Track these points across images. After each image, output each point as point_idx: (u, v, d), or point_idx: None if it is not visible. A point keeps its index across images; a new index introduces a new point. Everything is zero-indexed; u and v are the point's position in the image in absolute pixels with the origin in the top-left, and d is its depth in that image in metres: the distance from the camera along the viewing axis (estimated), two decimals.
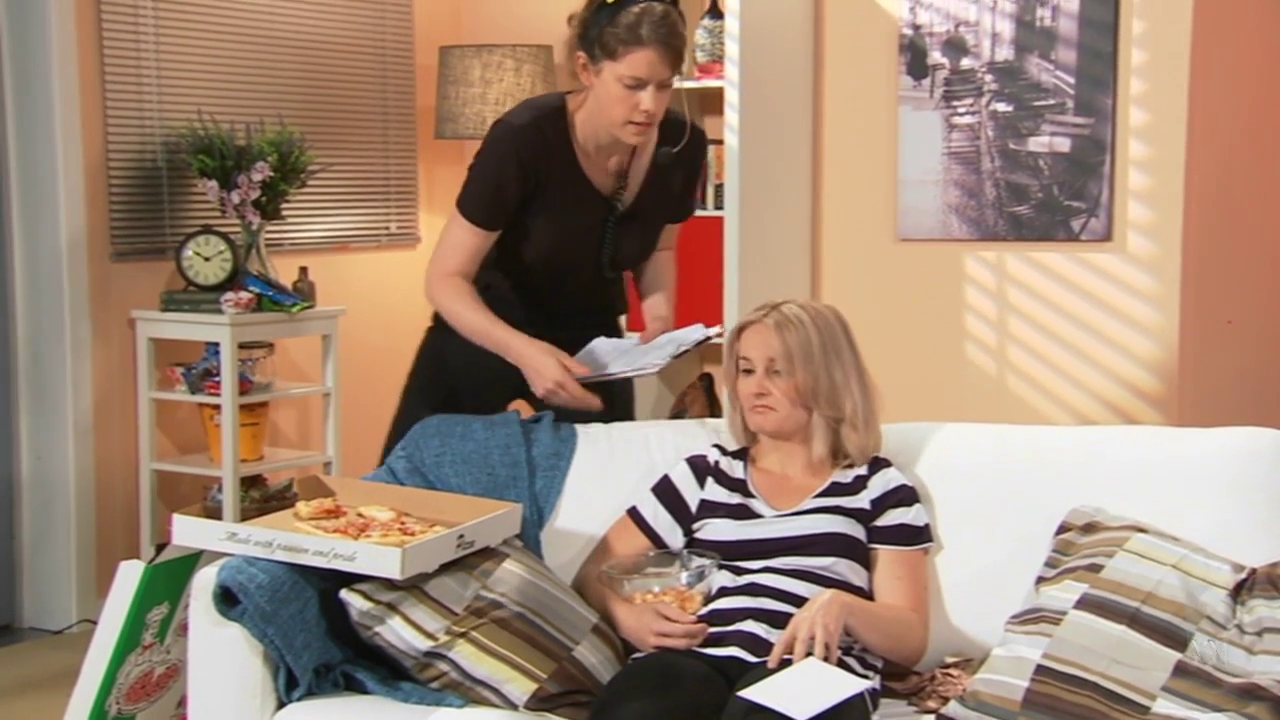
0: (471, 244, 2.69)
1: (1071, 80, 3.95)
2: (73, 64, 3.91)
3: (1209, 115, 3.92)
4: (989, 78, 4.07)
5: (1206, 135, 3.92)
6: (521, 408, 2.78)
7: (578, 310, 2.79)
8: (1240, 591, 2.14)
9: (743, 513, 2.38)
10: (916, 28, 4.16)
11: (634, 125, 2.58)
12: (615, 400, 2.81)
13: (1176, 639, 2.07)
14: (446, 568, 2.22)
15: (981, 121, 4.09)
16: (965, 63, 4.10)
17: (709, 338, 2.72)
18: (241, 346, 3.98)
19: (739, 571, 2.31)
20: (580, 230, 2.71)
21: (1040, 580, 2.25)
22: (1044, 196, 4.01)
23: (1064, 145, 3.98)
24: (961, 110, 4.11)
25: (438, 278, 2.73)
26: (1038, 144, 4.01)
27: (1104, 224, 3.94)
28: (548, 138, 2.66)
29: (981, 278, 4.15)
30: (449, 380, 2.82)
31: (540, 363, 2.60)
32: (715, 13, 4.20)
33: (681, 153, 2.74)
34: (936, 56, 4.14)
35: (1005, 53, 4.04)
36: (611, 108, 2.58)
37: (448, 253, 2.71)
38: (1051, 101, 3.98)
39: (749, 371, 2.41)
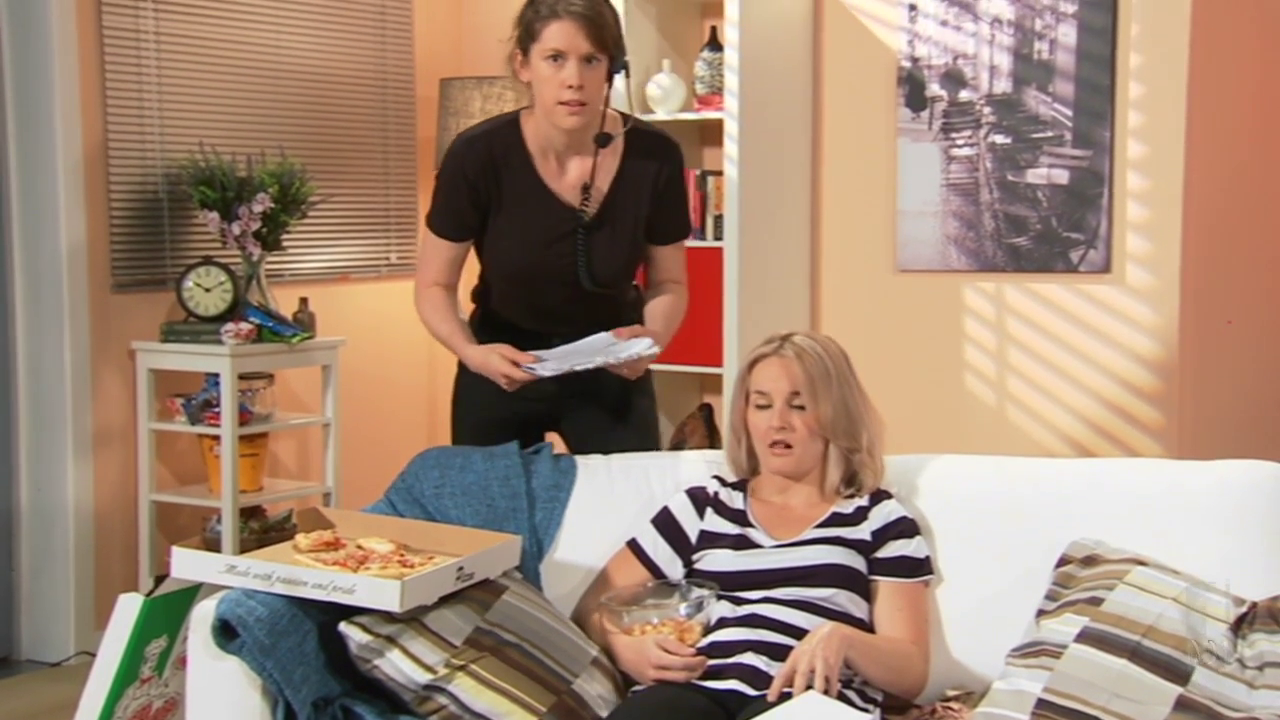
0: (440, 254, 2.79)
1: (1069, 113, 3.97)
2: (75, 95, 3.93)
3: (1206, 148, 3.94)
4: (987, 110, 4.08)
5: (1204, 168, 3.93)
6: (555, 441, 2.81)
7: (577, 326, 2.75)
8: (1241, 625, 2.14)
9: (742, 543, 2.38)
10: (915, 60, 4.18)
11: (564, 106, 2.58)
12: (634, 422, 2.82)
13: (1178, 673, 2.06)
14: (446, 600, 2.22)
15: (980, 153, 4.11)
16: (964, 95, 4.12)
17: (652, 354, 2.68)
18: (241, 377, 3.98)
19: (739, 602, 2.30)
20: (547, 240, 2.71)
21: (1041, 613, 2.25)
22: (1042, 228, 4.02)
23: (1062, 177, 3.99)
24: (960, 142, 4.13)
25: (418, 288, 2.83)
26: (1036, 176, 4.03)
27: (1103, 256, 3.95)
28: (497, 149, 2.69)
29: (981, 309, 4.16)
30: (492, 408, 2.80)
31: (485, 361, 2.67)
32: (715, 45, 4.22)
33: (651, 162, 2.72)
34: (935, 89, 4.16)
35: (1003, 85, 4.06)
36: (543, 91, 2.61)
37: (423, 263, 2.83)
38: (1050, 134, 4.00)
39: (764, 406, 2.41)
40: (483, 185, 2.70)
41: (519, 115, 2.73)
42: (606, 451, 2.72)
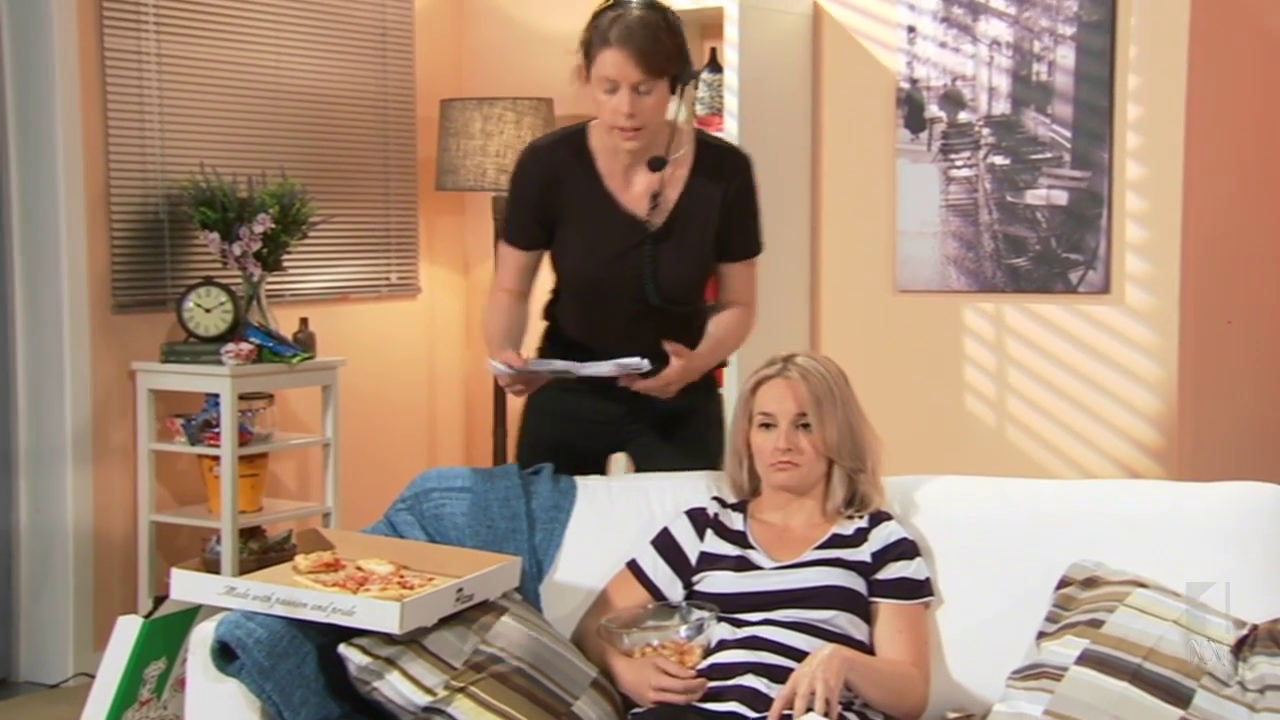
0: (509, 260, 2.79)
1: (1068, 134, 3.98)
2: (76, 116, 3.94)
3: (1205, 169, 3.95)
4: (986, 131, 4.10)
5: (1203, 189, 3.94)
6: (624, 462, 2.81)
7: (643, 344, 2.69)
8: (1242, 648, 2.13)
9: (742, 565, 2.38)
10: (914, 82, 4.20)
11: (618, 130, 2.58)
12: (697, 446, 2.78)
13: (1179, 696, 2.06)
14: (445, 622, 2.21)
15: (979, 174, 4.12)
16: (963, 116, 4.13)
17: (641, 370, 2.62)
18: (241, 397, 3.98)
19: (739, 624, 2.30)
20: (614, 251, 2.68)
21: (1041, 635, 2.24)
22: (1042, 249, 4.03)
23: (1061, 198, 4.00)
24: (959, 163, 4.14)
25: (491, 292, 2.83)
26: (1035, 197, 4.03)
27: (1102, 277, 3.95)
28: (563, 157, 2.69)
29: (980, 329, 4.16)
30: (555, 429, 2.81)
31: (491, 361, 2.65)
32: (714, 66, 4.24)
33: (721, 175, 2.69)
34: (934, 110, 4.17)
35: (1002, 107, 4.07)
36: (600, 113, 2.61)
37: (497, 269, 2.83)
38: (1048, 155, 4.01)
39: (768, 426, 2.41)
40: (547, 195, 2.69)
41: (587, 126, 2.72)
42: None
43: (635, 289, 2.68)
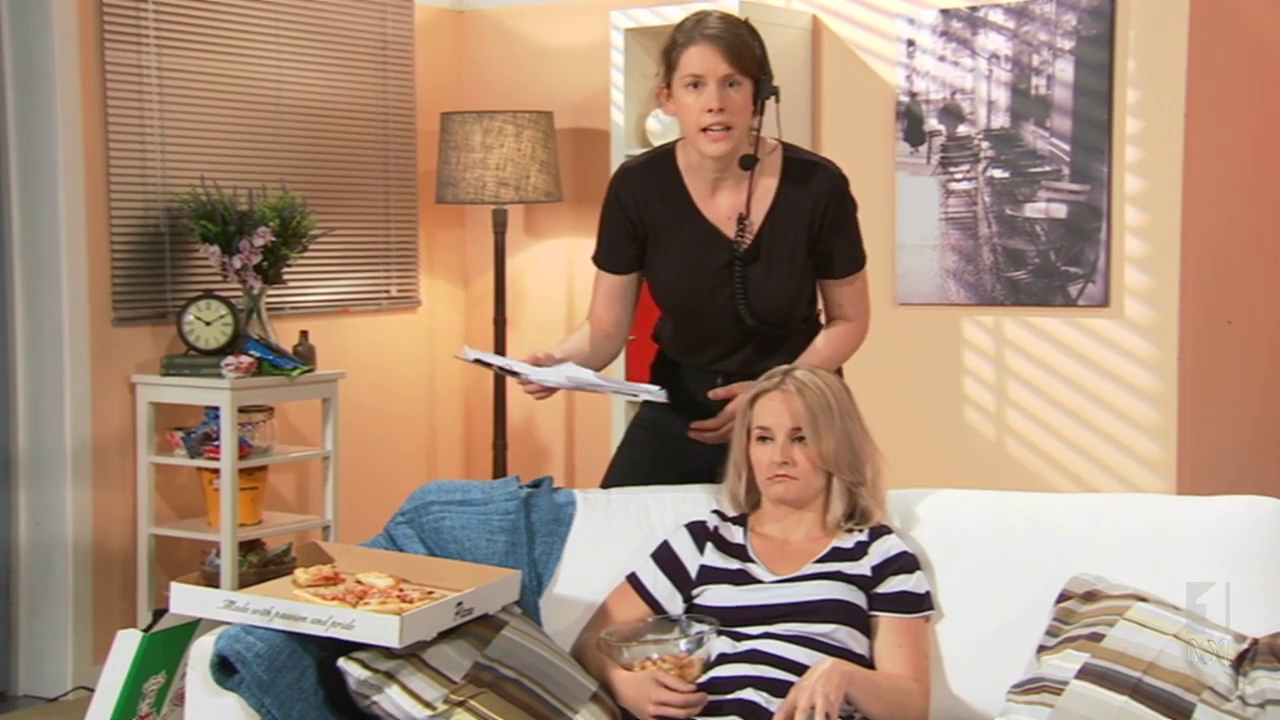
0: (602, 286, 2.77)
1: (1067, 148, 3.98)
2: (77, 130, 3.94)
3: (1204, 182, 3.95)
4: (985, 144, 4.10)
5: (1202, 202, 3.94)
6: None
7: (747, 361, 2.69)
8: (1242, 662, 2.13)
9: (742, 578, 2.38)
10: (913, 95, 4.20)
11: (708, 133, 2.53)
12: None
13: (1179, 710, 2.06)
14: (445, 635, 2.21)
15: (978, 187, 4.12)
16: (962, 129, 4.14)
17: (652, 399, 2.61)
18: (241, 410, 3.98)
19: (738, 638, 2.30)
20: (705, 272, 2.66)
21: (1041, 649, 2.24)
22: (1041, 262, 4.03)
23: (1060, 211, 4.00)
24: (958, 176, 4.15)
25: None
26: (1034, 210, 4.04)
27: (1101, 290, 3.95)
28: (652, 179, 2.68)
29: (980, 342, 4.17)
30: (650, 443, 2.79)
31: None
32: None
33: (808, 191, 2.63)
34: (933, 123, 4.18)
35: (1001, 120, 4.08)
36: (687, 121, 2.57)
37: (593, 295, 2.80)
38: (1047, 168, 4.01)
39: (765, 439, 2.41)
40: (638, 216, 2.68)
41: (674, 147, 2.70)
42: None
43: (730, 310, 2.66)
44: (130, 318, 4.07)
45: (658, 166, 2.69)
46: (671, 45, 2.57)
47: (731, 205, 2.64)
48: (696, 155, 2.61)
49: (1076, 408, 4.02)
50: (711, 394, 2.65)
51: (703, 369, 2.72)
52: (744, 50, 2.53)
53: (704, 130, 2.53)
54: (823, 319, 2.81)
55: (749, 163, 2.59)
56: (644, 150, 2.81)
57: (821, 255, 2.67)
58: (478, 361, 2.58)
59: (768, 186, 2.64)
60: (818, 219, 2.64)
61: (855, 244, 2.73)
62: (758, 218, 2.64)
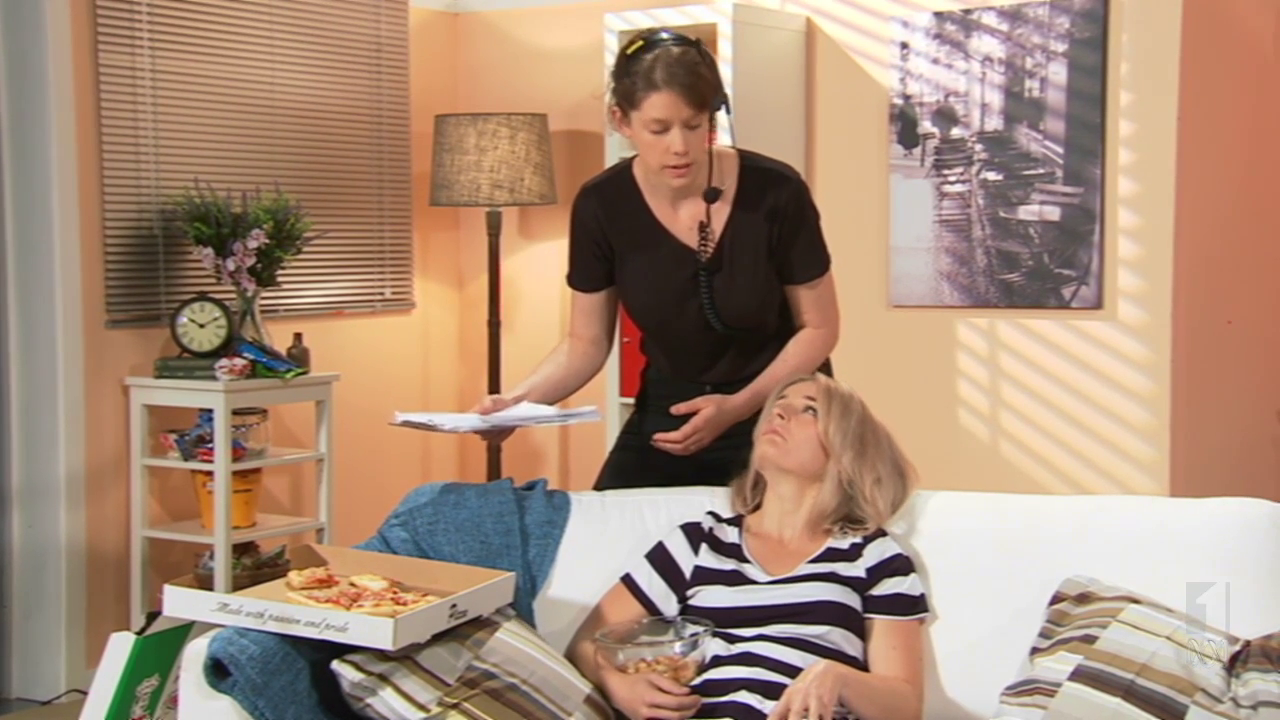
0: (579, 304, 2.80)
1: (1060, 150, 3.99)
2: (70, 132, 3.94)
3: (1197, 185, 3.96)
4: (979, 147, 4.11)
5: (1195, 205, 3.95)
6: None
7: (727, 368, 2.71)
8: (1235, 664, 2.14)
9: (736, 579, 2.38)
10: (907, 98, 4.21)
11: (670, 169, 2.56)
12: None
13: (1172, 712, 2.06)
14: (439, 638, 2.21)
15: (972, 190, 4.13)
16: (955, 132, 4.14)
17: (583, 420, 2.68)
18: (235, 413, 3.98)
19: (732, 639, 2.30)
20: (673, 284, 2.68)
21: (1035, 651, 2.24)
22: (1034, 264, 4.04)
23: (1054, 214, 4.01)
24: (952, 179, 4.15)
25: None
26: (1028, 212, 4.04)
27: (1094, 292, 3.96)
28: (612, 195, 2.70)
29: (974, 344, 4.17)
30: (640, 448, 2.79)
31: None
32: None
33: (766, 197, 2.65)
34: (927, 126, 4.18)
35: (995, 123, 4.08)
36: (647, 154, 2.59)
37: (571, 313, 2.83)
38: (1041, 171, 4.02)
39: (782, 417, 2.45)
40: (601, 235, 2.70)
41: (632, 162, 2.72)
42: None
43: (700, 320, 2.68)
44: (124, 320, 4.07)
45: (617, 184, 2.71)
46: (633, 85, 2.53)
47: (692, 216, 2.66)
48: (650, 172, 2.64)
49: (1070, 410, 4.03)
50: (674, 409, 2.65)
51: (690, 381, 2.74)
52: (704, 87, 2.52)
53: (668, 167, 2.56)
54: None
55: (713, 195, 2.62)
56: (602, 171, 2.83)
57: (782, 259, 2.68)
58: (405, 423, 2.63)
59: (726, 195, 2.66)
60: (776, 224, 2.66)
61: (816, 247, 2.72)
62: (718, 227, 2.66)
